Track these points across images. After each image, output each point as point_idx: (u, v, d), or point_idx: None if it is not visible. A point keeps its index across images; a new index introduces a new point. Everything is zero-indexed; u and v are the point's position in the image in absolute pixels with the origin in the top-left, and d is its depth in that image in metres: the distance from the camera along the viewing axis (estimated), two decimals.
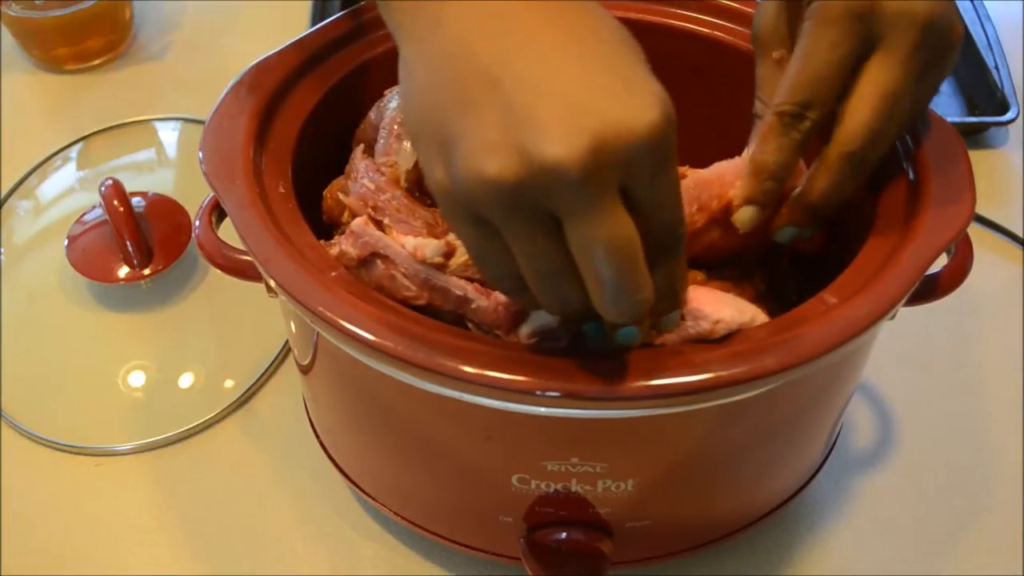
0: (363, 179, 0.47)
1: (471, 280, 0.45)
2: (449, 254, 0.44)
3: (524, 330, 0.43)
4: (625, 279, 0.34)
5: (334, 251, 0.45)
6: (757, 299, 0.48)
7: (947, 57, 0.42)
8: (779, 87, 0.42)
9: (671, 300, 0.38)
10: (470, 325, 0.46)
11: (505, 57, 0.33)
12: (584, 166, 0.31)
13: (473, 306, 0.45)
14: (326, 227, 0.50)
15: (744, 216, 0.44)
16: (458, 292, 0.45)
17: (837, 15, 0.41)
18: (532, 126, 0.32)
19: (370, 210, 0.46)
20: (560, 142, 0.31)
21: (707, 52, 0.56)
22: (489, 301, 0.45)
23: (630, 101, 0.32)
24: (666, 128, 0.33)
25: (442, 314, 0.45)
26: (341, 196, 0.49)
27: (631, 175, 0.33)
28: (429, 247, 0.44)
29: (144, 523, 0.58)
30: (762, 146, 0.43)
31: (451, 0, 0.35)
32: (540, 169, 0.32)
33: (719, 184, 0.44)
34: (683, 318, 0.40)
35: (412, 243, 0.45)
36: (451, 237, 0.45)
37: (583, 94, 0.32)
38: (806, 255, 0.53)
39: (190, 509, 0.58)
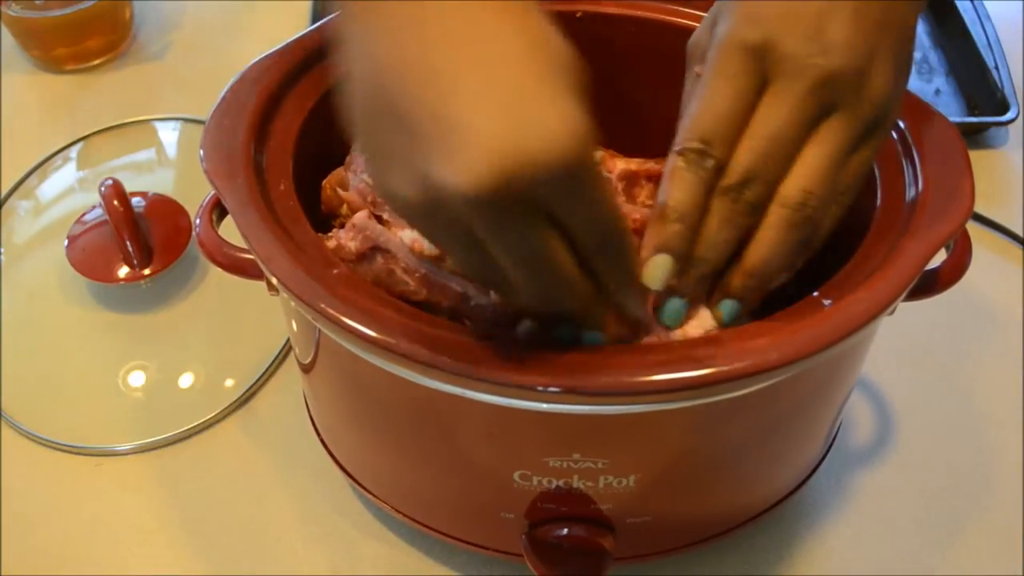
0: (363, 173, 0.47)
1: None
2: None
3: (521, 328, 0.43)
4: (547, 290, 0.36)
5: (331, 243, 0.45)
6: None
7: (853, 111, 0.39)
8: (681, 125, 0.41)
9: (629, 297, 0.39)
10: (468, 323, 0.46)
11: (424, 78, 0.33)
12: (484, 195, 0.32)
13: (472, 303, 0.45)
14: (325, 220, 0.50)
15: (656, 268, 0.40)
16: (457, 288, 0.45)
17: (734, 48, 0.39)
18: (437, 154, 0.32)
19: (370, 205, 0.46)
20: (459, 172, 0.32)
21: None
22: (487, 299, 0.45)
23: (542, 129, 0.32)
24: (576, 157, 0.32)
25: (440, 311, 0.45)
26: (340, 191, 0.49)
27: (547, 200, 0.33)
28: (428, 243, 0.44)
29: (144, 523, 0.58)
30: (665, 186, 0.40)
31: (381, 2, 0.34)
32: (442, 196, 0.32)
33: None
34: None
35: (410, 236, 0.45)
36: None
37: (494, 123, 0.32)
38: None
39: (190, 509, 0.58)
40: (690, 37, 0.45)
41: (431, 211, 0.34)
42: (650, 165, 0.49)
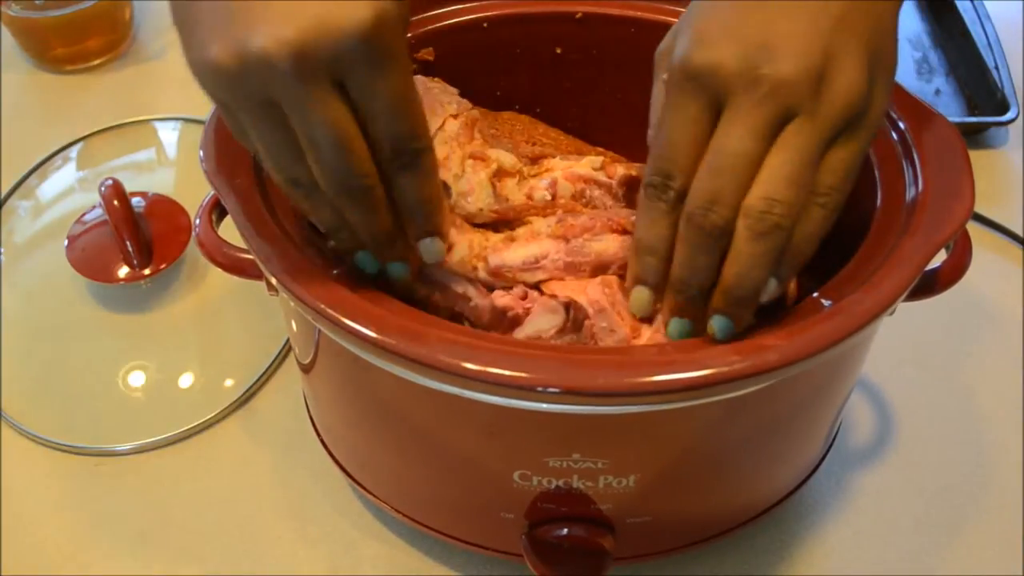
0: None
1: (470, 280, 0.46)
2: (448, 248, 0.45)
3: (521, 334, 0.44)
4: (340, 161, 0.38)
5: (332, 243, 0.45)
6: None
7: (813, 116, 0.38)
8: (648, 159, 0.41)
9: (421, 220, 0.42)
10: (466, 323, 0.46)
11: None
12: (289, 58, 0.35)
13: (472, 304, 0.45)
14: None
15: (637, 299, 0.43)
16: (458, 290, 0.45)
17: (681, 79, 0.39)
18: (246, 21, 0.36)
19: None
20: (267, 36, 0.35)
21: None
22: (486, 300, 0.45)
23: (348, 5, 0.35)
24: (375, 28, 0.36)
25: (439, 312, 0.45)
26: None
27: (343, 72, 0.36)
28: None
29: (144, 523, 0.58)
30: (636, 222, 0.42)
31: None
32: (250, 60, 0.35)
33: None
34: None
35: None
36: (451, 232, 0.45)
37: None
38: None
39: (190, 509, 0.58)
40: None
41: (240, 77, 0.36)
42: None
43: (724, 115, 0.38)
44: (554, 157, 0.53)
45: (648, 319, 0.44)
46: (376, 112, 0.38)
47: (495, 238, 0.47)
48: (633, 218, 0.45)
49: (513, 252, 0.46)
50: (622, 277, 0.46)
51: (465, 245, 0.46)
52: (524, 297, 0.45)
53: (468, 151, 0.50)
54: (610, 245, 0.46)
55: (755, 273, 0.39)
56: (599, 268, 0.46)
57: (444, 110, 0.52)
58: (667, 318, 0.42)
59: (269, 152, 0.39)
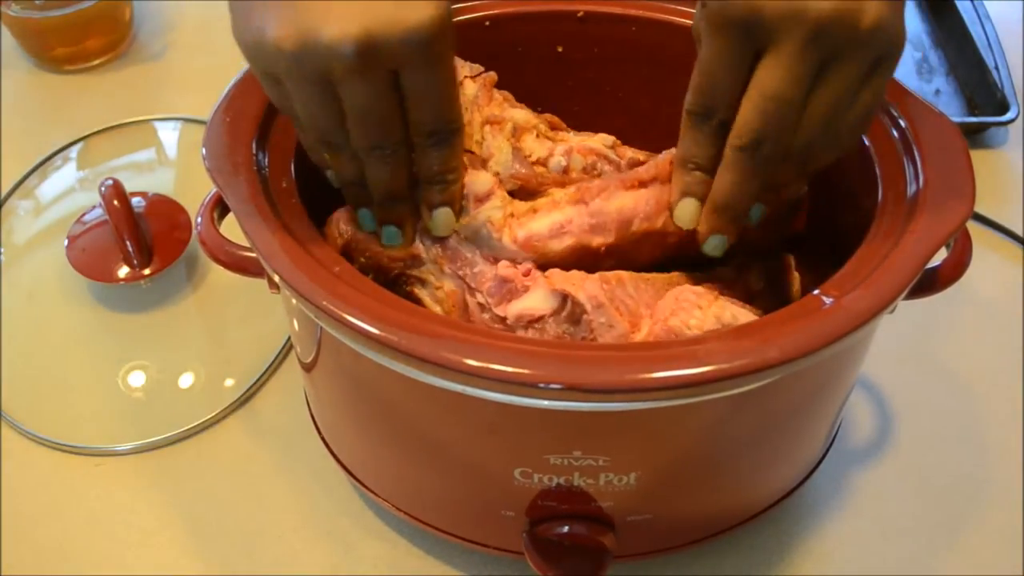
0: None
1: (487, 241, 0.46)
2: (490, 194, 0.47)
3: (512, 309, 0.44)
4: (379, 129, 0.42)
5: (332, 228, 0.46)
6: (750, 298, 0.48)
7: (854, 54, 0.40)
8: (689, 89, 0.44)
9: (440, 189, 0.45)
10: (470, 300, 0.46)
11: None
12: (355, 50, 0.39)
13: (476, 270, 0.46)
14: (326, 219, 0.50)
15: (686, 210, 0.46)
16: (467, 254, 0.47)
17: (721, 23, 0.40)
18: (319, 11, 0.39)
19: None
20: (338, 29, 0.39)
21: None
22: (491, 267, 0.46)
23: (411, 5, 0.39)
24: (437, 28, 0.39)
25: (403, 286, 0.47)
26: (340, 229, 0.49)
27: (400, 63, 0.40)
28: (480, 176, 0.47)
29: (144, 523, 0.57)
30: (680, 142, 0.45)
31: None
32: (317, 46, 0.39)
33: None
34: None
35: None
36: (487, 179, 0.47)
37: None
38: (801, 241, 0.53)
39: (190, 509, 0.58)
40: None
41: (300, 59, 0.39)
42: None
43: (768, 58, 0.40)
44: (568, 131, 0.55)
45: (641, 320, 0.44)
46: (423, 99, 0.42)
47: (521, 206, 0.48)
48: (646, 173, 0.47)
49: (539, 221, 0.46)
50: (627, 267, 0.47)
51: (503, 196, 0.47)
52: (527, 274, 0.46)
53: (486, 114, 0.51)
54: (627, 201, 0.47)
55: (794, 189, 0.47)
56: (623, 225, 0.47)
57: (459, 72, 0.52)
58: (706, 235, 0.45)
59: (310, 117, 0.42)
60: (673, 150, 0.46)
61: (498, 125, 0.51)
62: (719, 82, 0.42)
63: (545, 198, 0.48)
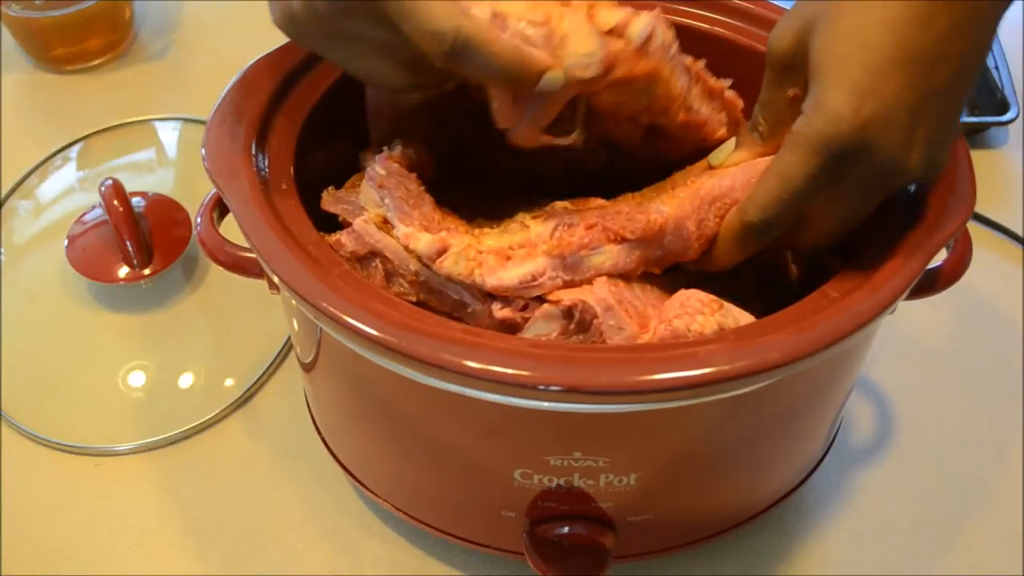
0: (376, 166, 0.47)
1: (466, 285, 0.46)
2: (442, 251, 0.44)
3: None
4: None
5: (333, 238, 0.45)
6: (750, 295, 0.48)
7: (859, 180, 0.41)
8: (752, 193, 0.43)
9: None
10: None
11: None
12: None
13: (469, 310, 0.45)
14: (326, 219, 0.50)
15: None
16: (454, 296, 0.45)
17: (819, 150, 0.40)
18: None
19: (377, 188, 0.46)
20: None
21: (702, 46, 0.56)
22: (484, 307, 0.45)
23: None
24: None
25: (439, 312, 0.45)
26: (332, 206, 0.49)
27: None
28: (422, 240, 0.44)
29: (144, 523, 0.57)
30: (723, 251, 0.45)
31: None
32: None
33: (730, 195, 0.45)
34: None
35: (403, 231, 0.45)
36: (444, 234, 0.45)
37: None
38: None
39: (190, 509, 0.58)
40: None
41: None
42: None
43: (846, 186, 0.41)
44: None
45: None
46: None
47: (488, 243, 0.45)
48: (631, 223, 0.45)
49: (509, 272, 0.44)
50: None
51: (461, 247, 0.45)
52: (523, 308, 0.45)
53: None
54: (608, 258, 0.45)
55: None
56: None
57: None
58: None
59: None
60: (661, 208, 0.45)
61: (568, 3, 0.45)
62: (788, 204, 0.42)
63: (521, 234, 0.45)
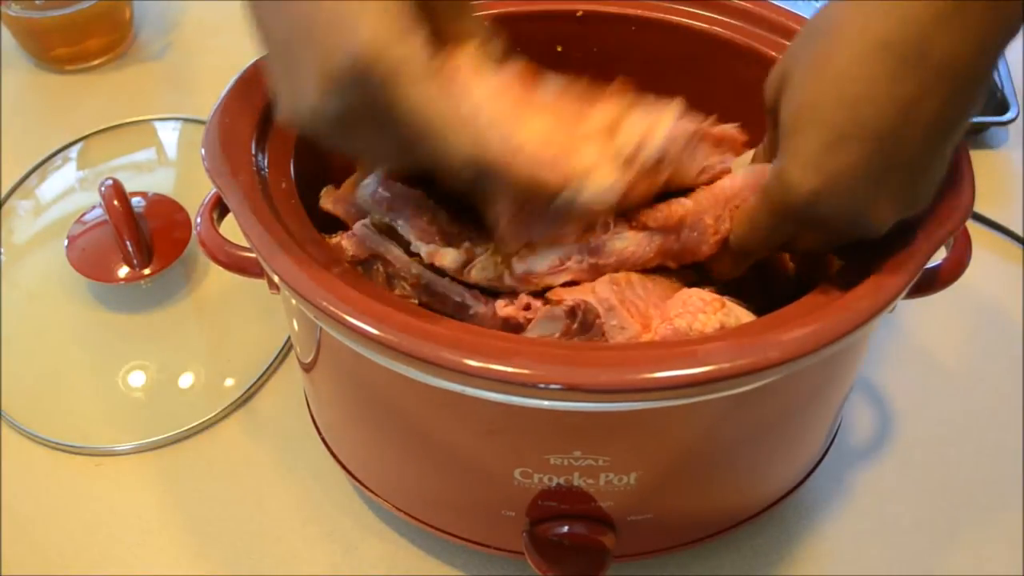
0: (379, 190, 0.47)
1: (476, 288, 0.46)
2: (468, 262, 0.45)
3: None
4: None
5: (334, 240, 0.45)
6: (749, 293, 0.48)
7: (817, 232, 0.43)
8: (735, 222, 0.46)
9: None
10: None
11: None
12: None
13: (471, 312, 0.45)
14: (326, 218, 0.50)
15: None
16: (456, 299, 0.45)
17: (794, 214, 0.41)
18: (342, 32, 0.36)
19: (387, 211, 0.46)
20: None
21: (702, 46, 0.56)
22: (486, 309, 0.45)
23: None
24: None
25: (441, 313, 0.45)
26: (329, 206, 0.48)
27: None
28: (448, 255, 0.44)
29: (144, 523, 0.57)
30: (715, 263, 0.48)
31: None
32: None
33: (741, 196, 0.45)
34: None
35: (426, 250, 0.45)
36: (467, 244, 0.45)
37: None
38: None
39: (190, 509, 0.58)
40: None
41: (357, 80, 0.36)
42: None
43: (817, 231, 0.43)
44: None
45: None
46: None
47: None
48: (653, 211, 0.45)
49: (539, 258, 0.45)
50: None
51: (487, 254, 0.45)
52: (527, 307, 0.45)
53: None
54: (630, 243, 0.45)
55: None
56: (621, 266, 0.46)
57: None
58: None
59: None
60: (683, 200, 0.46)
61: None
62: (772, 239, 0.45)
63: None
